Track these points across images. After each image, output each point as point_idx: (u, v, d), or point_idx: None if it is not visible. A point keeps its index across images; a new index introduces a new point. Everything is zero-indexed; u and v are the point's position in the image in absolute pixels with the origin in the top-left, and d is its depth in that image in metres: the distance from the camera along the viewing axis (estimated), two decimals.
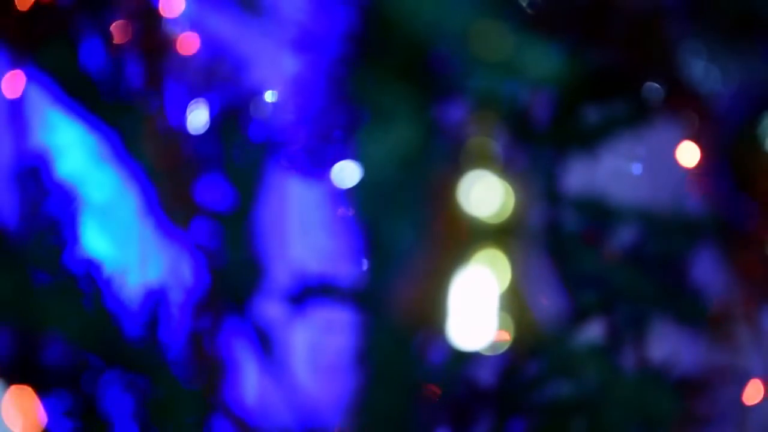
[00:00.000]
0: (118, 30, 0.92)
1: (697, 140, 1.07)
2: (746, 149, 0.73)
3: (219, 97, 1.03)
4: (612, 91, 1.06)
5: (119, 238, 1.21)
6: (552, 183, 1.08)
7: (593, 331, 1.13)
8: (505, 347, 1.02)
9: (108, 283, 0.90)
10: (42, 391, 0.90)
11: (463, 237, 0.61)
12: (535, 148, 1.07)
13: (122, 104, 0.92)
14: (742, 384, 1.07)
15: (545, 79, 0.52)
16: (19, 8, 0.88)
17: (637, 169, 1.43)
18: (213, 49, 1.05)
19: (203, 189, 0.99)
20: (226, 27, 0.98)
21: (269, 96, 1.09)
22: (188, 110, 1.01)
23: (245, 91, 1.06)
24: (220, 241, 0.98)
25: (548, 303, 0.62)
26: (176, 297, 0.83)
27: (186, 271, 0.84)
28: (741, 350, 0.63)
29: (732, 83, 0.81)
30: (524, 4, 0.73)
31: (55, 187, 0.86)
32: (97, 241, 1.03)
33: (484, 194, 0.61)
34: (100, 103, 0.91)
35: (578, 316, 1.06)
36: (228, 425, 0.72)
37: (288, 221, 1.34)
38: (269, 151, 1.03)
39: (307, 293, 1.09)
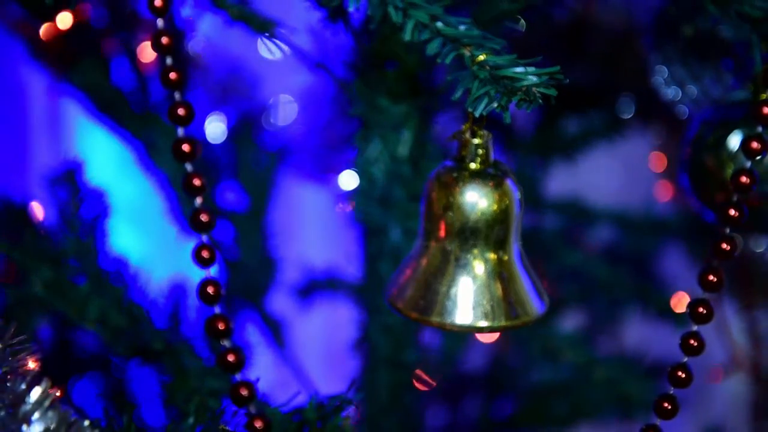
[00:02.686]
0: (144, 49, 0.97)
1: (665, 149, 1.13)
2: (709, 157, 0.75)
3: (235, 109, 1.08)
4: (590, 104, 1.11)
5: (145, 237, 1.23)
6: (536, 187, 1.13)
7: (573, 321, 1.17)
8: (494, 335, 1.06)
9: (135, 277, 0.91)
10: (76, 376, 0.94)
11: (456, 235, 0.61)
12: (521, 156, 1.11)
13: (148, 116, 0.95)
14: (706, 368, 1.11)
15: (531, 93, 0.53)
16: (56, 30, 0.91)
17: (611, 174, 1.46)
18: (229, 66, 1.09)
19: (221, 192, 1.04)
20: (242, 46, 1.01)
21: (280, 108, 1.14)
22: (207, 121, 1.06)
23: (259, 104, 1.11)
24: (236, 240, 1.03)
25: (533, 294, 0.64)
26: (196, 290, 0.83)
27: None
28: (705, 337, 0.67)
29: (696, 97, 0.85)
30: (512, 24, 0.73)
31: (88, 191, 0.86)
32: (125, 240, 1.05)
33: (476, 196, 0.63)
34: (129, 116, 0.96)
35: (559, 306, 1.10)
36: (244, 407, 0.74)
37: (297, 221, 1.37)
38: (280, 158, 1.07)
39: (315, 287, 1.13)
